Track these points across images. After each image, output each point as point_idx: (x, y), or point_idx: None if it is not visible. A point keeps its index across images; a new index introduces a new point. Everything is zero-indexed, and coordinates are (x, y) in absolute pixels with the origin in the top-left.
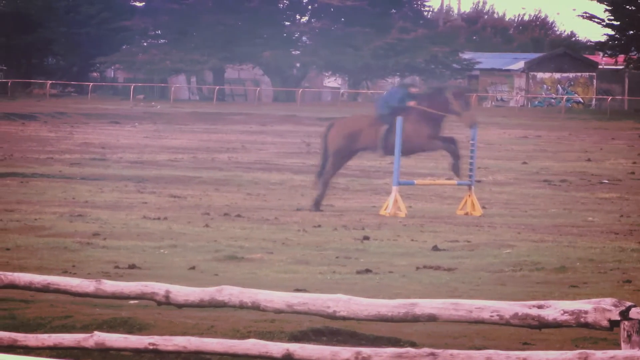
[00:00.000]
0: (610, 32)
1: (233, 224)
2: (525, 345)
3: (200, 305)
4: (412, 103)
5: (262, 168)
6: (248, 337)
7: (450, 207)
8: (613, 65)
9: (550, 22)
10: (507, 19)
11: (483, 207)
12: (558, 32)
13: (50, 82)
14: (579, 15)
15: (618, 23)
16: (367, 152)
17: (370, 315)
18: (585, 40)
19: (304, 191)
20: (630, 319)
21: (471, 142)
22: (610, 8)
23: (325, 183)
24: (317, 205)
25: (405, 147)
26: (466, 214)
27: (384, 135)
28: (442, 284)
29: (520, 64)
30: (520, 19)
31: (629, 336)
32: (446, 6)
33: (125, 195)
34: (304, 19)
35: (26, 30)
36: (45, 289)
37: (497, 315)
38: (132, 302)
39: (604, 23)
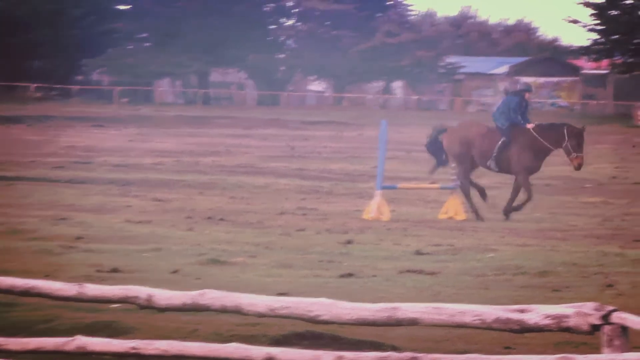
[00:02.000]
0: (595, 36)
1: (216, 227)
2: (507, 349)
3: (183, 309)
4: (530, 126)
5: (246, 172)
6: (230, 340)
7: (434, 211)
8: (597, 69)
9: (534, 27)
10: (491, 24)
11: (466, 211)
12: (542, 37)
13: (35, 85)
14: (564, 19)
15: (602, 27)
16: (479, 165)
17: (353, 319)
18: (569, 45)
19: (288, 195)
20: (611, 324)
21: None
22: (595, 12)
23: (468, 187)
24: (484, 196)
25: (503, 165)
26: (450, 218)
27: (498, 148)
28: (425, 287)
29: (504, 68)
30: (505, 23)
31: (610, 340)
32: (431, 10)
33: (109, 198)
34: (290, 22)
35: (11, 33)
36: (27, 293)
37: (479, 319)
38: (114, 305)
39: (588, 27)
